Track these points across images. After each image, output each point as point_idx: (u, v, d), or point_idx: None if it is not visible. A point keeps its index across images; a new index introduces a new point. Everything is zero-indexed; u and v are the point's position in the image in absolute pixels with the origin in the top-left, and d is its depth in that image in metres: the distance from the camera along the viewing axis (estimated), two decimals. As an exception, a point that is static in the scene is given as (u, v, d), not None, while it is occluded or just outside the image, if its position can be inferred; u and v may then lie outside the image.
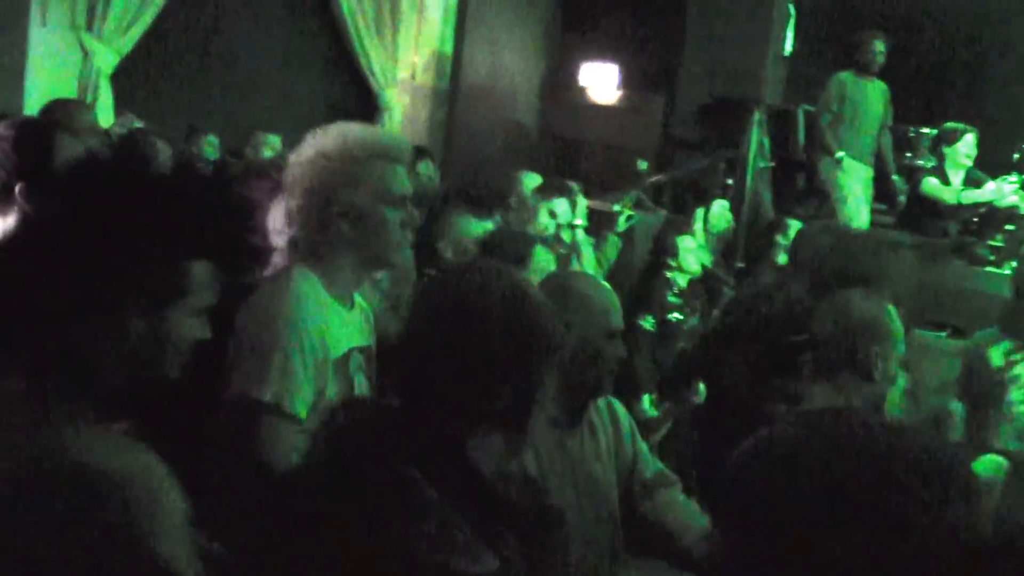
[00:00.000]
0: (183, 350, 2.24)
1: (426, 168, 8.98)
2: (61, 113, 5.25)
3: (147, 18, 9.69)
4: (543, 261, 6.57)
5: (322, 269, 3.02)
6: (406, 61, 11.54)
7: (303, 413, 2.83)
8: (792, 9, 10.36)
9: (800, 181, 10.46)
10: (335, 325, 2.99)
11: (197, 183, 2.36)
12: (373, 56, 11.22)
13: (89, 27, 9.43)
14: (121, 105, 9.35)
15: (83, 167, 2.37)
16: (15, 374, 2.12)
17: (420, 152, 9.72)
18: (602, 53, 11.97)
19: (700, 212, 9.06)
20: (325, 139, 3.04)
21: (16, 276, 2.17)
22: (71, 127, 4.80)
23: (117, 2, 9.48)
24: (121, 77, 9.62)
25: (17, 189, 3.36)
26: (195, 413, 2.65)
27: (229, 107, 10.05)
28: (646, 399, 7.11)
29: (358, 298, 3.18)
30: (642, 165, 10.29)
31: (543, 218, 6.59)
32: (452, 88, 11.97)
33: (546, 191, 6.76)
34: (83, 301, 2.12)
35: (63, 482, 1.41)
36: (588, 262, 7.38)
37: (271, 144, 8.29)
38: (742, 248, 9.10)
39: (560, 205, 6.71)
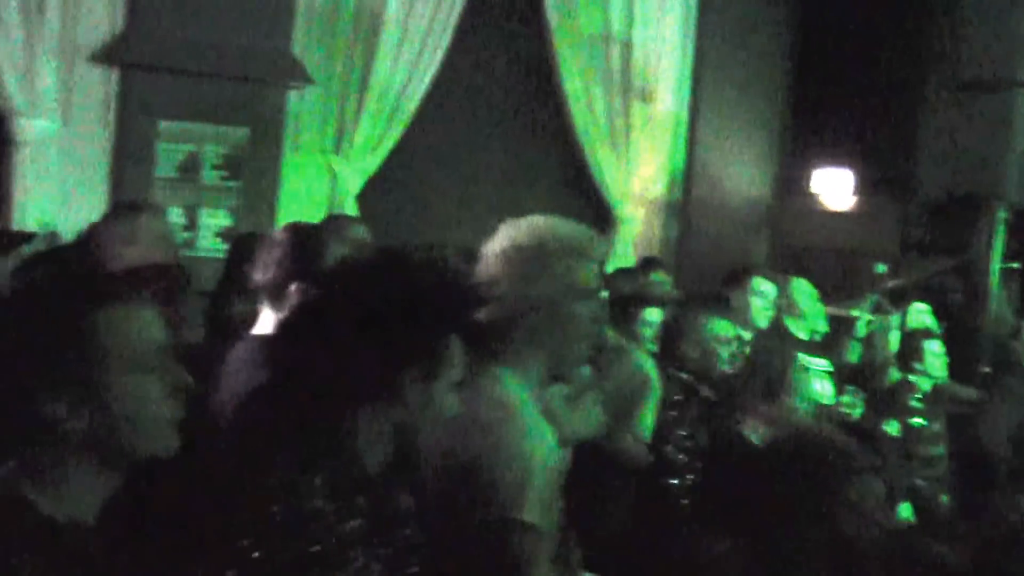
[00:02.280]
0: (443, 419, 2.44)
1: (658, 277, 9.06)
2: (336, 225, 5.57)
3: (391, 140, 10.14)
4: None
5: (518, 366, 2.98)
6: (639, 174, 11.68)
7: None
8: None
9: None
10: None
11: (447, 272, 2.51)
12: (607, 169, 11.41)
13: (337, 150, 9.93)
14: (366, 224, 9.73)
15: (360, 263, 2.58)
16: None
17: (653, 262, 9.84)
18: (835, 158, 11.88)
19: (896, 318, 8.82)
20: (518, 231, 3.04)
21: (295, 362, 2.40)
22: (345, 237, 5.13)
23: (363, 126, 9.97)
24: (366, 197, 10.06)
25: (292, 288, 3.61)
26: None
27: (467, 222, 10.34)
28: (905, 508, 6.93)
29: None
30: (880, 268, 10.11)
31: (756, 304, 6.63)
32: (684, 199, 12.04)
33: (745, 277, 6.81)
34: (363, 379, 2.34)
35: None
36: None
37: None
38: (988, 353, 8.85)
39: (763, 284, 6.73)
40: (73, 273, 2.13)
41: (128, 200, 6.89)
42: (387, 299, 2.36)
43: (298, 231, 3.82)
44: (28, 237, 5.15)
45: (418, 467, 2.62)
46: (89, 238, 4.96)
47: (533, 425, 2.88)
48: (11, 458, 1.86)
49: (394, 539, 2.42)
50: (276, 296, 3.70)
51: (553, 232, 3.04)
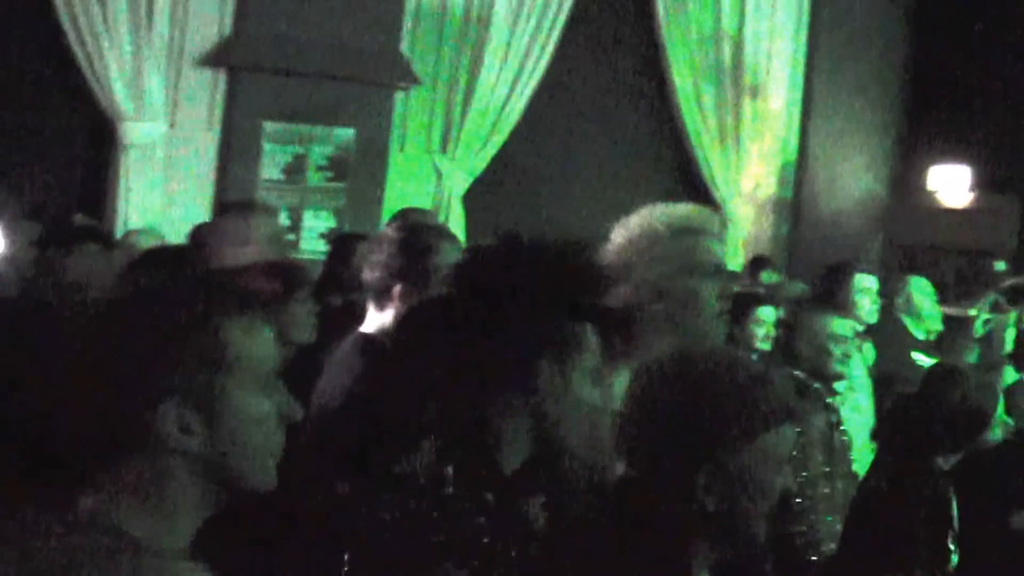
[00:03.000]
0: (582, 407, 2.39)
1: (768, 277, 8.93)
2: (440, 225, 5.50)
3: (498, 139, 10.11)
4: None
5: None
6: (749, 172, 11.51)
7: None
8: None
9: None
10: None
11: (574, 259, 2.46)
12: (716, 167, 11.26)
13: (443, 150, 9.91)
14: (471, 224, 9.72)
15: (488, 251, 2.53)
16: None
17: (763, 261, 9.69)
18: (952, 154, 11.59)
19: (1013, 316, 8.50)
20: (631, 222, 3.02)
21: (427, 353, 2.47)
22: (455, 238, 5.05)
23: (470, 126, 9.93)
24: (472, 197, 10.02)
25: (396, 289, 3.55)
26: None
27: (575, 221, 10.25)
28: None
29: None
30: (1000, 266, 9.84)
31: (862, 302, 6.47)
32: (795, 197, 11.84)
33: (847, 274, 6.64)
34: (495, 367, 2.33)
35: None
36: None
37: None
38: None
39: (866, 280, 6.57)
40: (193, 276, 2.07)
41: (239, 200, 6.92)
42: (515, 285, 2.34)
43: (413, 229, 3.75)
44: (96, 234, 5.10)
45: (558, 466, 2.51)
46: (199, 237, 4.97)
47: None
48: (102, 472, 1.75)
49: (518, 544, 2.31)
50: (379, 296, 3.64)
51: (666, 214, 3.02)
